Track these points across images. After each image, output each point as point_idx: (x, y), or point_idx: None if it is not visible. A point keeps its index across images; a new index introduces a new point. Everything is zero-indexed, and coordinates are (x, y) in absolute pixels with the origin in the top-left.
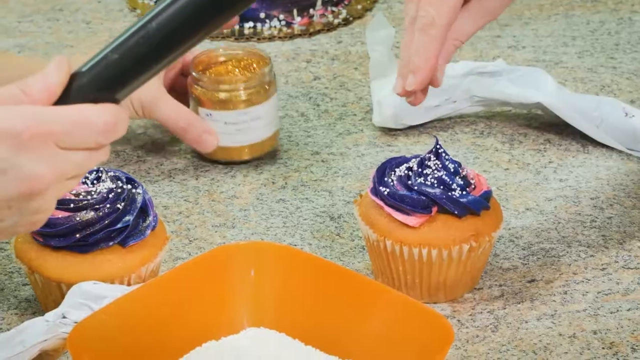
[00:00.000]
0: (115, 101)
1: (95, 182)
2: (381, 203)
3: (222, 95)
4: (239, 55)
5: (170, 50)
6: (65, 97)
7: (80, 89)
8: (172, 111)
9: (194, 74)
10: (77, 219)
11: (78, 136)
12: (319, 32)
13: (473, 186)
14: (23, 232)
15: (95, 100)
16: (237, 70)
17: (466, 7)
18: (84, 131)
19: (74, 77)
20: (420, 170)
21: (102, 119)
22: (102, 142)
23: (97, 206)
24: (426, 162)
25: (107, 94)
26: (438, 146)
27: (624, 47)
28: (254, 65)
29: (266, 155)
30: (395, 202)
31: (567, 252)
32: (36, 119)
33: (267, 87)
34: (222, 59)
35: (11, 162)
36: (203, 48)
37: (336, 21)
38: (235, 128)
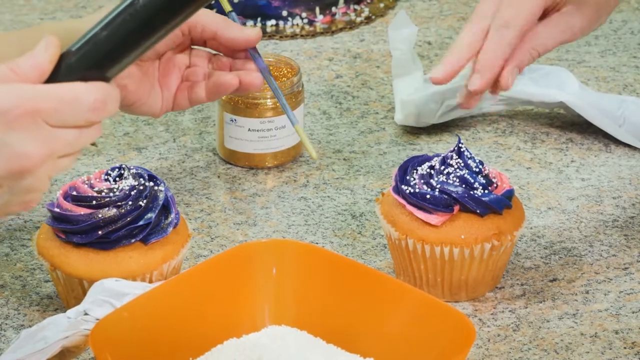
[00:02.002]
0: (106, 79)
1: (117, 179)
2: (403, 201)
3: (248, 101)
4: (269, 62)
5: (158, 26)
6: (55, 76)
7: (70, 67)
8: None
9: None
10: (99, 216)
11: (67, 114)
12: (341, 30)
13: (495, 185)
14: (17, 212)
15: (85, 78)
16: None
17: (549, 20)
18: (73, 108)
19: (63, 56)
20: (442, 168)
21: (91, 97)
22: (92, 120)
23: (119, 203)
24: (448, 160)
25: (97, 72)
26: (460, 145)
27: None
28: (283, 74)
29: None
30: (417, 200)
31: (589, 252)
32: (24, 96)
33: (294, 96)
34: None
35: (0, 140)
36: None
37: (358, 19)
38: (258, 135)
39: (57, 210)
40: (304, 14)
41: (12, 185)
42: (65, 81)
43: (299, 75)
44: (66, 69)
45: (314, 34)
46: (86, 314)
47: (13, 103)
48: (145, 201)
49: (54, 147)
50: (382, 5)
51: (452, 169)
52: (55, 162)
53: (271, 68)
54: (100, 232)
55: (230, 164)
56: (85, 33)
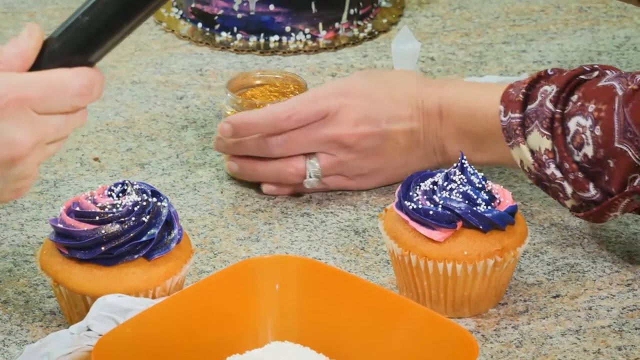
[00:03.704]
0: (90, 64)
1: (120, 195)
2: (406, 217)
3: None
4: (276, 79)
5: (138, 8)
6: (40, 63)
7: (54, 54)
8: None
9: (229, 95)
10: (103, 231)
11: (54, 100)
12: (344, 46)
13: (498, 201)
14: (8, 199)
15: (70, 64)
16: (272, 94)
17: None
18: (59, 95)
19: (47, 43)
20: (445, 184)
21: (76, 82)
22: (78, 105)
23: (123, 219)
24: (451, 176)
25: (80, 57)
26: (463, 161)
27: None
28: (290, 90)
29: None
30: (420, 216)
31: (592, 268)
32: (11, 85)
33: None
34: (258, 82)
35: None
36: (239, 70)
37: (361, 35)
38: None
39: (60, 226)
40: (307, 30)
41: (3, 173)
42: (50, 68)
43: (306, 89)
44: (50, 55)
45: (317, 50)
46: (89, 329)
47: (0, 92)
48: (148, 217)
49: (43, 134)
50: (385, 21)
51: (455, 185)
52: (43, 148)
53: (278, 85)
54: (103, 248)
55: (234, 179)
56: (67, 19)
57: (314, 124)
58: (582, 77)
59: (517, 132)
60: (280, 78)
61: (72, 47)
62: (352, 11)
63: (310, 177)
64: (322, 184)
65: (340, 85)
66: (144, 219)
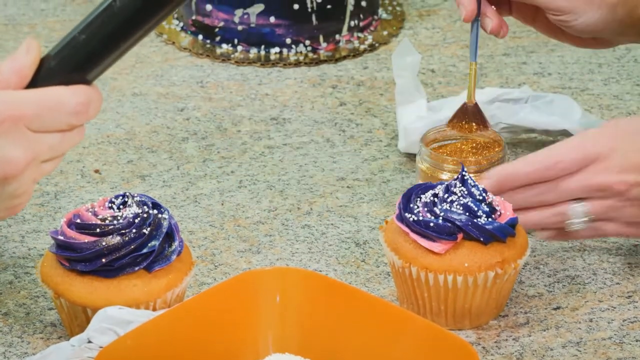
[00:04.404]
0: (87, 82)
1: (121, 207)
2: (406, 229)
3: (445, 175)
4: (473, 136)
5: (135, 27)
6: (36, 80)
7: (51, 71)
8: None
9: (422, 148)
10: (103, 243)
11: (49, 118)
12: (344, 57)
13: (499, 213)
14: (3, 217)
15: (67, 82)
16: (466, 151)
17: None
18: (55, 113)
19: (44, 60)
20: (446, 196)
21: (73, 101)
22: (74, 124)
23: (123, 231)
24: (452, 188)
25: (77, 75)
26: (464, 173)
27: None
28: (487, 148)
29: (291, 180)
30: (421, 228)
31: (593, 280)
32: (6, 102)
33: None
34: (454, 137)
35: None
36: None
37: (362, 47)
38: None
39: (60, 238)
40: (307, 42)
41: None
42: (46, 85)
43: (503, 151)
44: (47, 72)
45: (317, 62)
46: (90, 341)
47: None
48: (149, 229)
49: (38, 152)
50: (385, 33)
51: (456, 197)
52: (39, 166)
53: (478, 141)
54: (104, 260)
55: (234, 190)
56: (64, 37)
57: (581, 171)
58: None
59: None
60: (476, 135)
61: (69, 64)
62: (352, 23)
63: (576, 222)
64: (593, 230)
65: (611, 128)
66: (144, 231)
